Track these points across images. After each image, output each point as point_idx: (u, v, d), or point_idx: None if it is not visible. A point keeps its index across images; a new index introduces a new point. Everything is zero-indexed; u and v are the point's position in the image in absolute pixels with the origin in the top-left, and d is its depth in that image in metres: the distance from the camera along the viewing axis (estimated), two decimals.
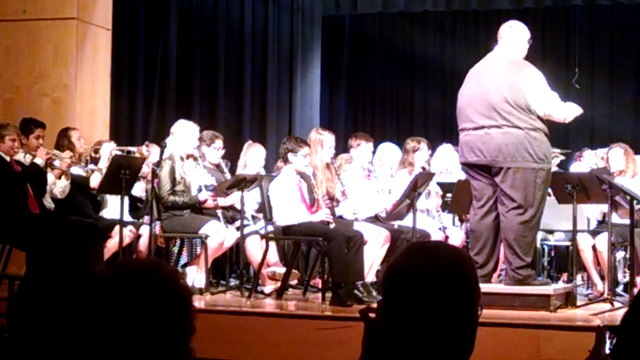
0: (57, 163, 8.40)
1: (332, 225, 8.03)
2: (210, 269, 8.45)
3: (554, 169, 10.02)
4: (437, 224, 9.29)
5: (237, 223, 8.51)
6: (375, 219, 8.81)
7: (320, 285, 8.33)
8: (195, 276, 8.30)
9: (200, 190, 8.55)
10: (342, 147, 10.03)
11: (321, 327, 6.69)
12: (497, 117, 7.23)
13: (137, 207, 9.28)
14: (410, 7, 13.95)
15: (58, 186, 8.47)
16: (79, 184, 8.64)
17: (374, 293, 7.88)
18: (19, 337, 2.65)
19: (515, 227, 7.26)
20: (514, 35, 7.56)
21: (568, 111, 7.41)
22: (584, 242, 8.71)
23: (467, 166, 7.57)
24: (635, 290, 7.55)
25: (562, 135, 12.97)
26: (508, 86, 7.24)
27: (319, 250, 8.15)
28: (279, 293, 8.06)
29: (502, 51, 7.53)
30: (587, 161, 10.00)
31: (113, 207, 8.89)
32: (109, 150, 8.83)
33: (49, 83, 9.55)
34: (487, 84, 7.34)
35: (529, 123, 7.19)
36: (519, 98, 7.19)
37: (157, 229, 8.43)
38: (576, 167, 10.07)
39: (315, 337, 6.64)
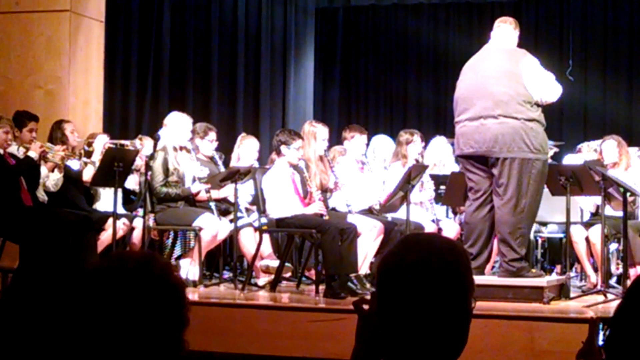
0: (50, 156, 8.39)
1: (325, 218, 8.03)
2: (203, 261, 8.46)
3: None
4: (430, 216, 9.29)
5: (231, 215, 8.51)
6: (369, 211, 8.81)
7: (314, 276, 8.33)
8: (189, 269, 8.30)
9: (194, 182, 8.55)
10: (335, 139, 10.03)
11: (315, 320, 6.69)
12: (493, 107, 7.22)
13: (130, 200, 9.27)
14: None
15: (51, 179, 8.47)
16: (71, 177, 8.63)
17: (368, 285, 7.87)
18: (12, 330, 2.64)
19: (510, 219, 7.26)
20: (508, 29, 7.57)
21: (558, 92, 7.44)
22: (578, 234, 8.71)
23: (464, 158, 7.56)
24: (629, 282, 7.55)
25: (555, 127, 12.99)
26: (506, 76, 7.24)
27: (313, 243, 8.14)
28: (273, 285, 8.06)
29: (497, 42, 7.54)
30: (585, 155, 9.99)
31: (106, 200, 8.89)
32: (102, 143, 8.82)
33: (42, 75, 9.54)
34: (485, 74, 7.34)
35: (525, 114, 7.19)
36: (518, 87, 7.19)
37: (151, 222, 8.42)
38: (569, 159, 10.07)
39: (309, 329, 6.64)
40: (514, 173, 7.20)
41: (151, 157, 8.41)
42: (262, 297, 7.92)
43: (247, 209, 8.99)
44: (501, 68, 7.29)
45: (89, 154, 8.85)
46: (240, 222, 8.47)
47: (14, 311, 2.67)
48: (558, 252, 10.03)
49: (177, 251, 8.72)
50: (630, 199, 7.83)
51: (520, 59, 7.31)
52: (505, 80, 7.22)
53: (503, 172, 7.23)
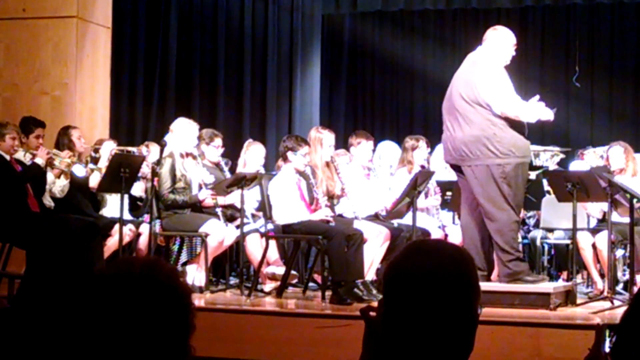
0: (56, 162, 8.40)
1: (332, 224, 8.03)
2: (210, 267, 8.45)
3: (554, 167, 10.03)
4: (436, 222, 9.28)
5: (237, 221, 8.51)
6: (375, 218, 8.81)
7: (320, 279, 8.34)
8: (195, 275, 8.30)
9: (200, 188, 8.55)
10: (341, 145, 10.02)
11: (321, 326, 6.70)
12: (457, 115, 7.33)
13: (136, 206, 9.28)
14: (410, 6, 13.94)
15: (57, 185, 8.48)
16: (78, 183, 8.64)
17: (374, 291, 7.88)
18: (21, 333, 2.65)
19: (494, 224, 7.29)
20: (496, 38, 7.55)
21: (529, 112, 7.31)
22: (584, 241, 8.70)
23: (450, 165, 7.73)
24: (635, 289, 7.55)
25: (562, 133, 13.00)
26: (464, 83, 7.32)
27: (319, 249, 8.15)
28: (279, 291, 8.06)
29: (479, 52, 7.56)
30: (589, 160, 9.98)
31: (112, 206, 8.89)
32: (109, 149, 8.83)
33: (49, 81, 9.55)
34: (452, 83, 7.47)
35: (486, 118, 7.22)
36: (472, 94, 7.23)
37: (157, 228, 8.43)
38: (576, 166, 10.07)
39: (315, 335, 6.64)
40: (483, 180, 7.25)
41: (158, 163, 8.41)
42: (269, 303, 7.93)
43: (253, 215, 9.00)
44: (463, 76, 7.38)
45: (95, 160, 8.86)
46: (246, 228, 8.47)
47: (23, 316, 2.68)
48: (565, 259, 10.02)
49: (184, 257, 8.72)
50: (637, 205, 7.82)
51: (477, 65, 7.34)
52: (462, 87, 7.31)
53: (475, 180, 7.30)
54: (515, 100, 7.28)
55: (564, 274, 9.99)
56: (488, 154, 7.21)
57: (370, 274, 8.23)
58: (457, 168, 7.57)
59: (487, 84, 7.22)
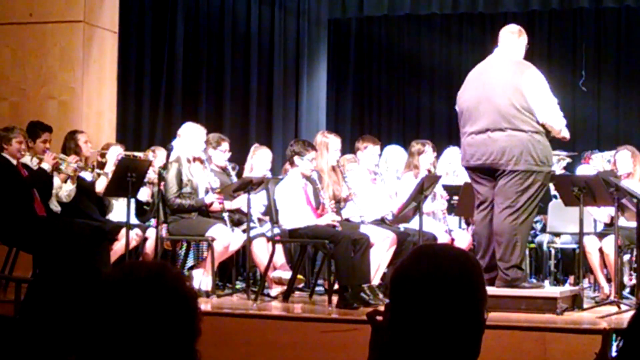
0: (63, 167, 8.41)
1: (338, 228, 8.03)
2: (216, 271, 8.45)
3: (561, 171, 10.02)
4: (443, 226, 9.28)
5: (244, 226, 8.51)
6: (382, 222, 8.80)
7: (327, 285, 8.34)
8: (202, 279, 8.31)
9: (207, 192, 8.56)
10: (348, 150, 10.02)
11: (328, 330, 6.69)
12: (501, 120, 7.21)
13: (143, 211, 9.29)
14: (416, 10, 13.95)
15: (64, 190, 8.49)
16: (84, 188, 8.66)
17: (381, 296, 7.87)
18: (29, 337, 2.65)
19: (505, 227, 7.24)
20: (514, 38, 7.54)
21: (564, 128, 7.38)
22: (591, 245, 8.69)
23: (470, 170, 7.58)
24: None
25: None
26: (512, 88, 7.22)
27: (326, 253, 8.14)
28: (285, 296, 8.06)
29: (503, 53, 7.51)
30: (595, 164, 9.97)
31: (119, 210, 8.90)
32: (116, 154, 8.84)
33: (56, 86, 9.57)
34: (491, 86, 7.32)
35: (532, 126, 7.18)
36: (521, 100, 7.18)
37: (164, 232, 8.43)
38: (582, 170, 10.06)
39: (321, 339, 6.63)
40: (517, 185, 7.19)
41: (164, 167, 8.42)
42: (275, 307, 7.92)
43: (259, 220, 8.99)
44: (506, 80, 7.27)
45: (102, 165, 8.87)
46: (253, 233, 8.47)
47: (30, 320, 2.68)
48: (571, 263, 10.01)
49: (190, 261, 8.73)
50: None
51: (524, 72, 7.29)
52: (510, 92, 7.21)
53: (506, 182, 7.23)
54: (559, 113, 7.29)
55: (571, 279, 9.98)
56: (530, 160, 7.16)
57: (376, 279, 8.23)
58: (479, 172, 7.48)
59: (535, 92, 7.20)
